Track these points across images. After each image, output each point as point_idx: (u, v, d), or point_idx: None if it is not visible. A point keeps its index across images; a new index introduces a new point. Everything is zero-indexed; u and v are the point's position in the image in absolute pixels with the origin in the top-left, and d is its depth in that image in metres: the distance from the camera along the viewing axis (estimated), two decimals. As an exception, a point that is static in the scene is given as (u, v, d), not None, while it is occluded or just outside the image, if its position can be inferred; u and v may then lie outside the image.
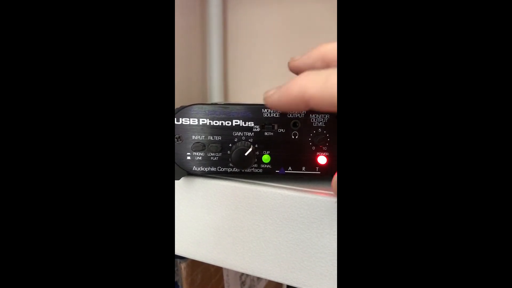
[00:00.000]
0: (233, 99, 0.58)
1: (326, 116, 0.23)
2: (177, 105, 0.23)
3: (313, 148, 0.23)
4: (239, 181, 0.24)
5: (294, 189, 0.22)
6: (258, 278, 0.54)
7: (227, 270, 0.46)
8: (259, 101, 0.22)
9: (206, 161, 0.24)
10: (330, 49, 0.21)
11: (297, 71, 0.23)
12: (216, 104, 0.23)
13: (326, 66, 0.21)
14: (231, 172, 0.24)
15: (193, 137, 0.23)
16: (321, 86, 0.17)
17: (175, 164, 0.24)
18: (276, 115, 0.23)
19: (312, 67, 0.21)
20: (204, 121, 0.23)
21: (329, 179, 0.24)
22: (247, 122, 0.23)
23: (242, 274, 0.51)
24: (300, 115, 0.23)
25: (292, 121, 0.23)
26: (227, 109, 0.23)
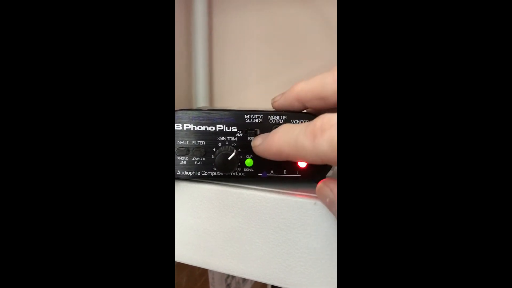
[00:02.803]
0: (218, 103, 0.59)
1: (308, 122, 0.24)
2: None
3: None
4: (223, 184, 0.24)
5: (276, 192, 0.23)
6: (244, 281, 0.54)
7: (213, 273, 0.47)
8: (244, 105, 0.23)
9: (190, 165, 0.24)
10: (302, 88, 0.23)
11: (280, 109, 0.25)
12: (200, 109, 0.24)
13: (302, 105, 0.23)
14: (215, 176, 0.24)
15: (178, 142, 0.24)
16: (292, 148, 0.20)
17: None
18: (258, 120, 0.24)
19: (291, 107, 0.24)
20: (188, 126, 0.24)
21: (309, 181, 0.25)
22: (230, 127, 0.24)
23: (228, 277, 0.51)
24: (281, 121, 0.24)
25: (274, 126, 0.24)
26: (211, 115, 0.24)
